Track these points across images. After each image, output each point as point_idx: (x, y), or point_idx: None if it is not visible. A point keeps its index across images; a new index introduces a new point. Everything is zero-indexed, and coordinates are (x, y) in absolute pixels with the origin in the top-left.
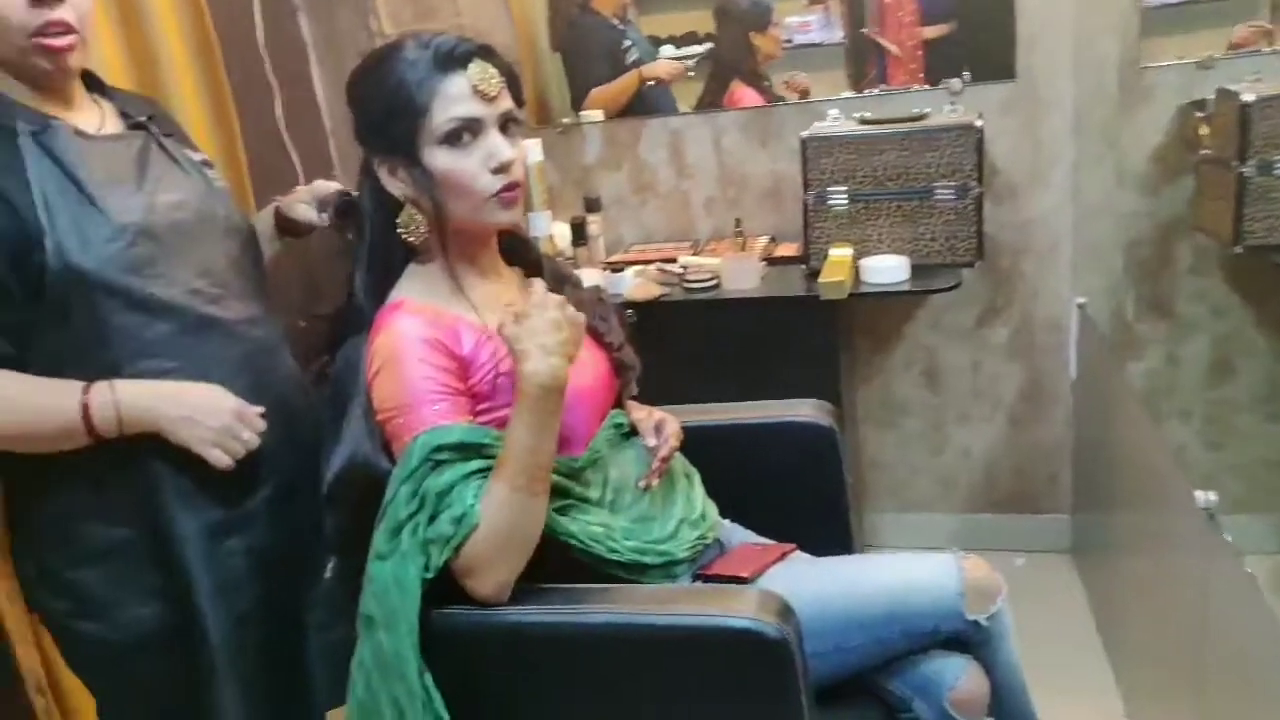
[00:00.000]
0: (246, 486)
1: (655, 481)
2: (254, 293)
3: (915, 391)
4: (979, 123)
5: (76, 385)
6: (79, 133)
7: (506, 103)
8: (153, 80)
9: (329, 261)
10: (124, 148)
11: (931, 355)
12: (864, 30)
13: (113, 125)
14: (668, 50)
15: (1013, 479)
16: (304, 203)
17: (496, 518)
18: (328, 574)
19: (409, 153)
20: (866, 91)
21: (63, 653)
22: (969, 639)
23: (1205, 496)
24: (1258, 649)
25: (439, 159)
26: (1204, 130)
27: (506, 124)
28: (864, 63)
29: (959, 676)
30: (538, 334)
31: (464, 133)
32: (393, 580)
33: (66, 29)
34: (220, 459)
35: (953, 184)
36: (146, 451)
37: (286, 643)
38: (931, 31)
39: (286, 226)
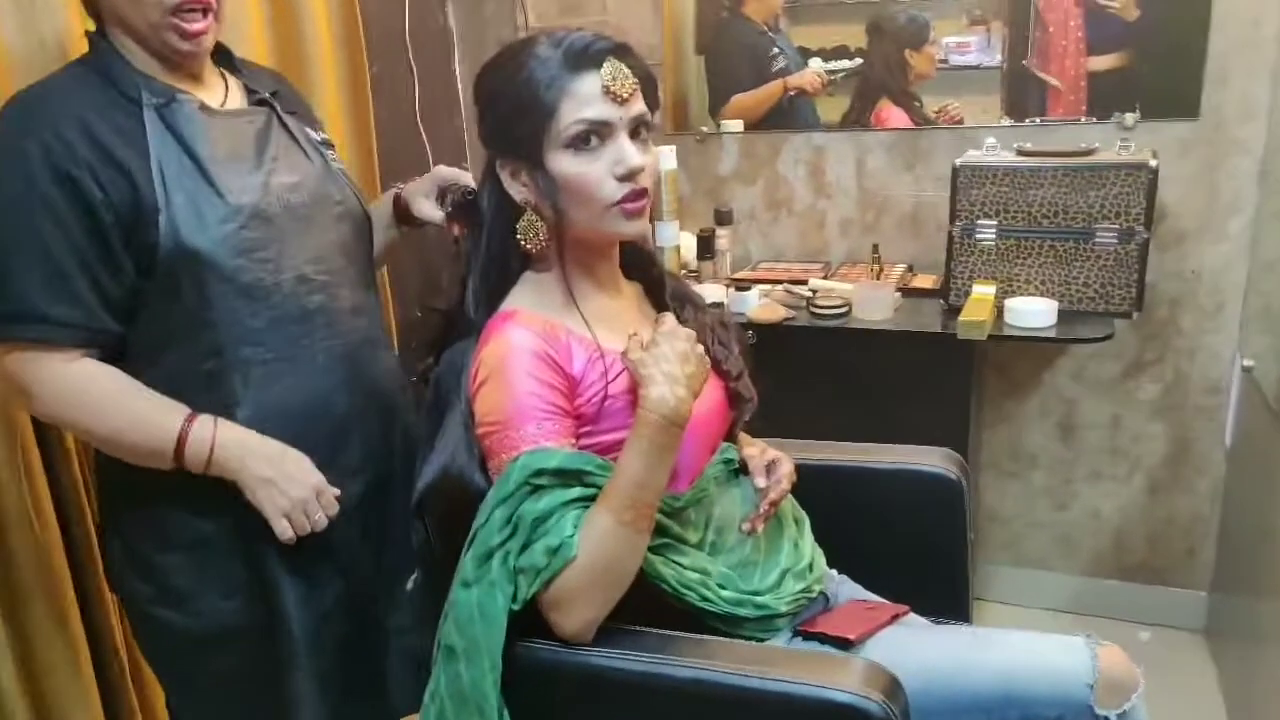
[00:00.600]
0: (341, 484)
1: (761, 526)
2: (362, 281)
3: (1047, 443)
4: (1154, 162)
5: (182, 410)
6: (204, 107)
7: (639, 106)
8: (296, 57)
9: (447, 256)
10: (245, 124)
11: (1070, 406)
12: (1024, 61)
13: (236, 100)
14: (816, 63)
15: (1145, 547)
16: (424, 194)
17: (596, 551)
18: (409, 586)
19: (533, 155)
20: (1028, 121)
21: (139, 639)
22: None
23: None
24: None
25: (563, 163)
26: None
27: (638, 129)
28: (1022, 90)
29: None
30: (665, 362)
31: (591, 136)
32: (478, 610)
33: (205, 8)
34: (285, 530)
35: (1116, 227)
36: None
37: (366, 642)
38: (1099, 63)
39: (405, 216)
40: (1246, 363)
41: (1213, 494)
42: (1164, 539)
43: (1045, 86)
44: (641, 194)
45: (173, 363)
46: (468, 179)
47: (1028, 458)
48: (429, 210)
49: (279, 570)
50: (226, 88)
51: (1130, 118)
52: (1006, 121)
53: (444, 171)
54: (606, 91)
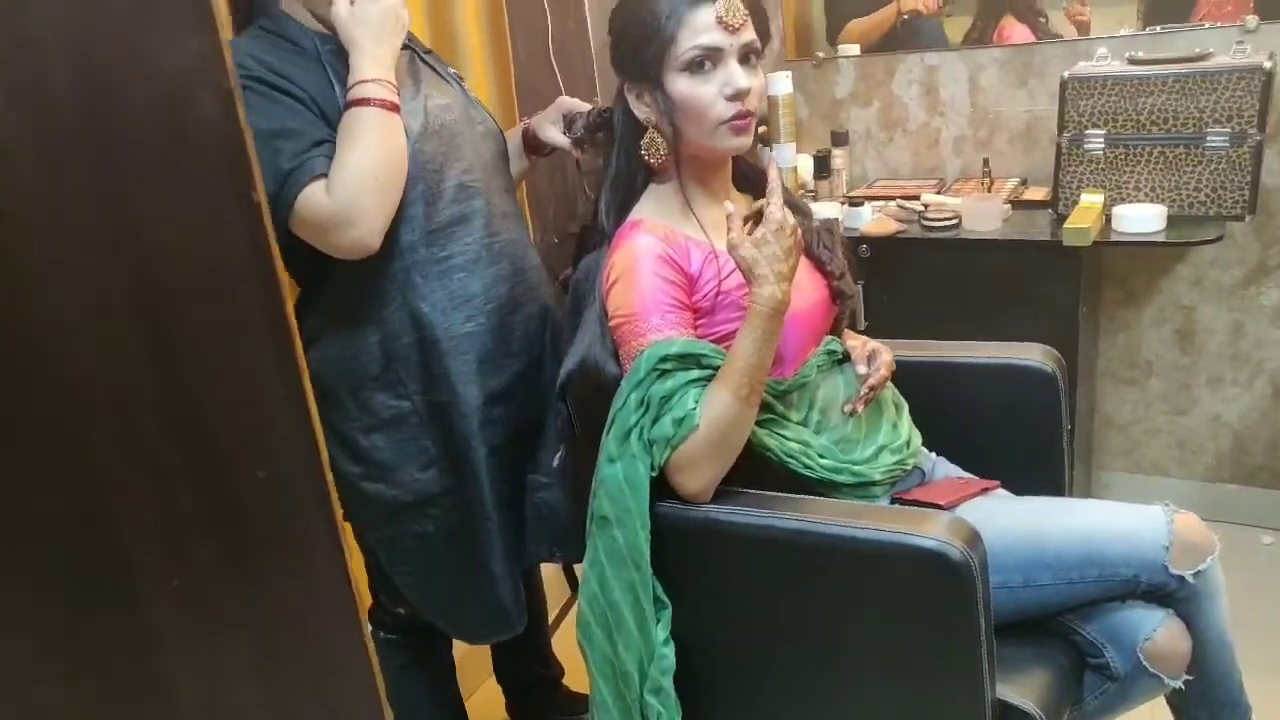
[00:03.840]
0: (508, 364)
1: (861, 408)
2: (508, 190)
3: (1164, 350)
4: (1268, 64)
5: (351, 110)
6: None
7: (749, 34)
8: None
9: (583, 180)
10: (400, 60)
11: (1188, 314)
12: None
13: None
14: None
15: (1267, 452)
16: (551, 122)
17: (715, 420)
18: (555, 462)
19: (655, 78)
20: (1149, 29)
21: (348, 513)
22: (1173, 594)
23: None
24: None
25: (680, 85)
26: None
27: (748, 55)
28: None
29: (1156, 628)
30: (776, 261)
31: (705, 61)
32: (625, 480)
33: None
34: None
35: (1228, 130)
36: (425, 328)
37: (518, 500)
38: None
39: (534, 145)
40: None
41: None
42: None
43: None
44: (748, 114)
45: (358, 266)
46: (586, 107)
47: (1145, 364)
48: (556, 136)
49: (471, 441)
50: None
51: (1252, 20)
52: (1128, 31)
53: (566, 102)
54: (719, 21)
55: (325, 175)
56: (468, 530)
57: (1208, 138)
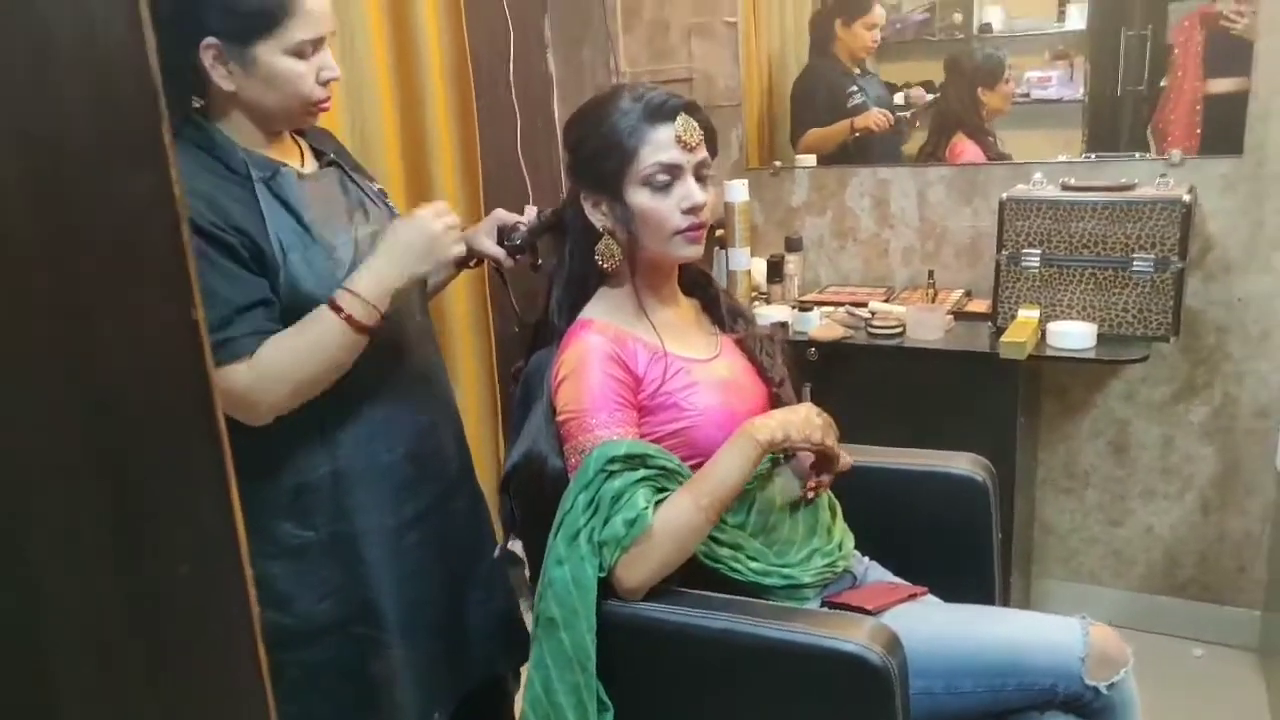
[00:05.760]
0: (424, 489)
1: (811, 495)
2: (425, 310)
3: (1100, 461)
4: (1187, 197)
5: (322, 309)
6: (299, 175)
7: (703, 153)
8: (413, 99)
9: (538, 281)
10: (329, 185)
11: (1122, 427)
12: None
13: (309, 163)
14: (899, 99)
15: (1197, 565)
16: (485, 233)
17: (672, 524)
18: (496, 554)
19: (614, 189)
20: (1084, 156)
21: None
22: (1088, 705)
23: None
24: None
25: (640, 197)
26: None
27: (701, 171)
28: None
29: None
30: (793, 414)
31: (665, 176)
32: (573, 581)
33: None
34: (458, 251)
35: (1152, 256)
36: (342, 459)
37: (451, 614)
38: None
39: (466, 257)
40: None
41: (1264, 514)
42: (1215, 557)
43: (1141, 117)
44: (701, 225)
45: None
46: (518, 218)
47: (1082, 475)
48: (490, 247)
49: (376, 570)
50: (301, 150)
51: (1176, 154)
52: (1064, 157)
53: (502, 214)
54: (679, 140)
55: (250, 354)
56: (366, 662)
57: (1134, 263)
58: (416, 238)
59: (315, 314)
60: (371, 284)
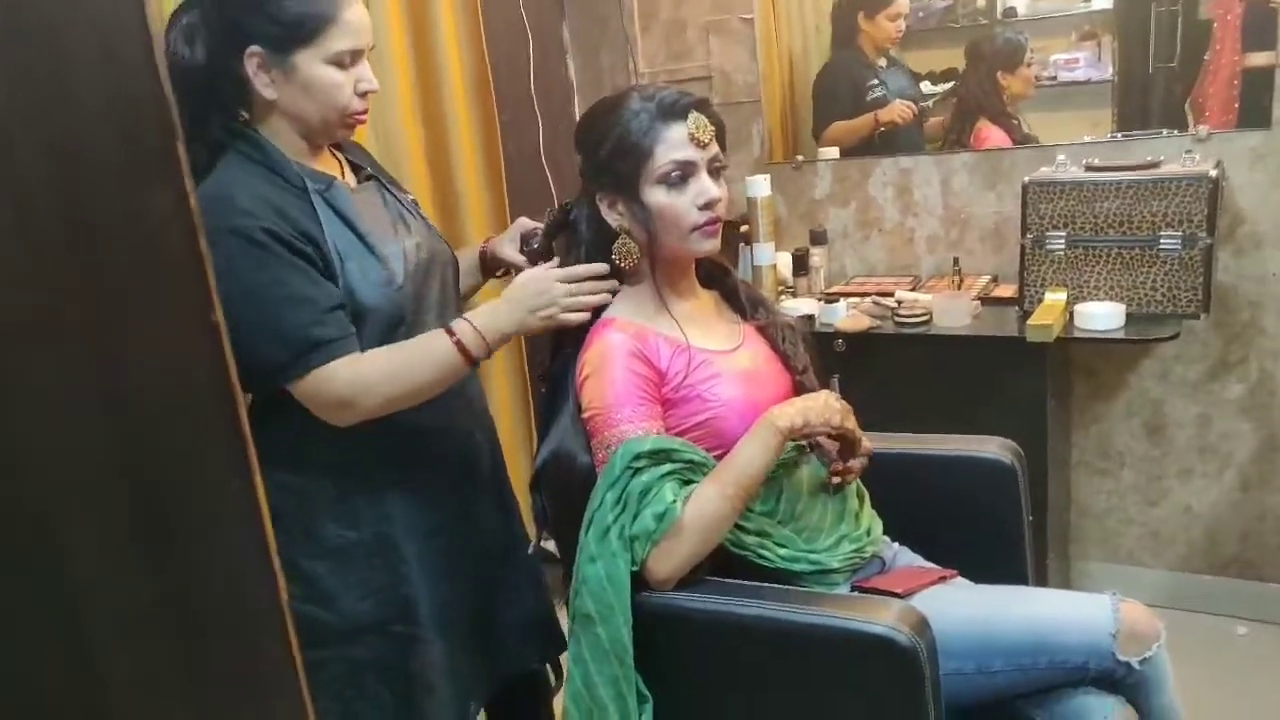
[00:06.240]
0: (454, 495)
1: (835, 482)
2: (454, 313)
3: (1135, 442)
4: (1213, 172)
5: (438, 332)
6: (350, 189)
7: (715, 149)
8: (436, 112)
9: None
10: (373, 199)
11: (1156, 406)
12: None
13: (350, 178)
14: (925, 86)
15: (1238, 542)
16: (509, 240)
17: (701, 513)
18: (530, 550)
19: (630, 189)
20: (1111, 136)
21: None
22: (1121, 681)
23: None
24: None
25: (657, 195)
26: None
27: (715, 167)
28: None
29: (1108, 715)
30: (812, 400)
31: (680, 174)
32: (606, 577)
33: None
34: (575, 319)
35: (1179, 234)
36: (382, 468)
37: (484, 612)
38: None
39: (491, 265)
40: None
41: None
42: (1257, 534)
43: (1175, 94)
44: (717, 219)
45: None
46: (541, 225)
47: (1117, 456)
48: (511, 253)
49: (412, 571)
50: (341, 165)
51: (1203, 129)
52: (1089, 138)
53: (526, 223)
54: (692, 138)
55: (346, 355)
56: (405, 660)
57: (1161, 240)
58: (538, 296)
59: (427, 335)
60: (489, 322)
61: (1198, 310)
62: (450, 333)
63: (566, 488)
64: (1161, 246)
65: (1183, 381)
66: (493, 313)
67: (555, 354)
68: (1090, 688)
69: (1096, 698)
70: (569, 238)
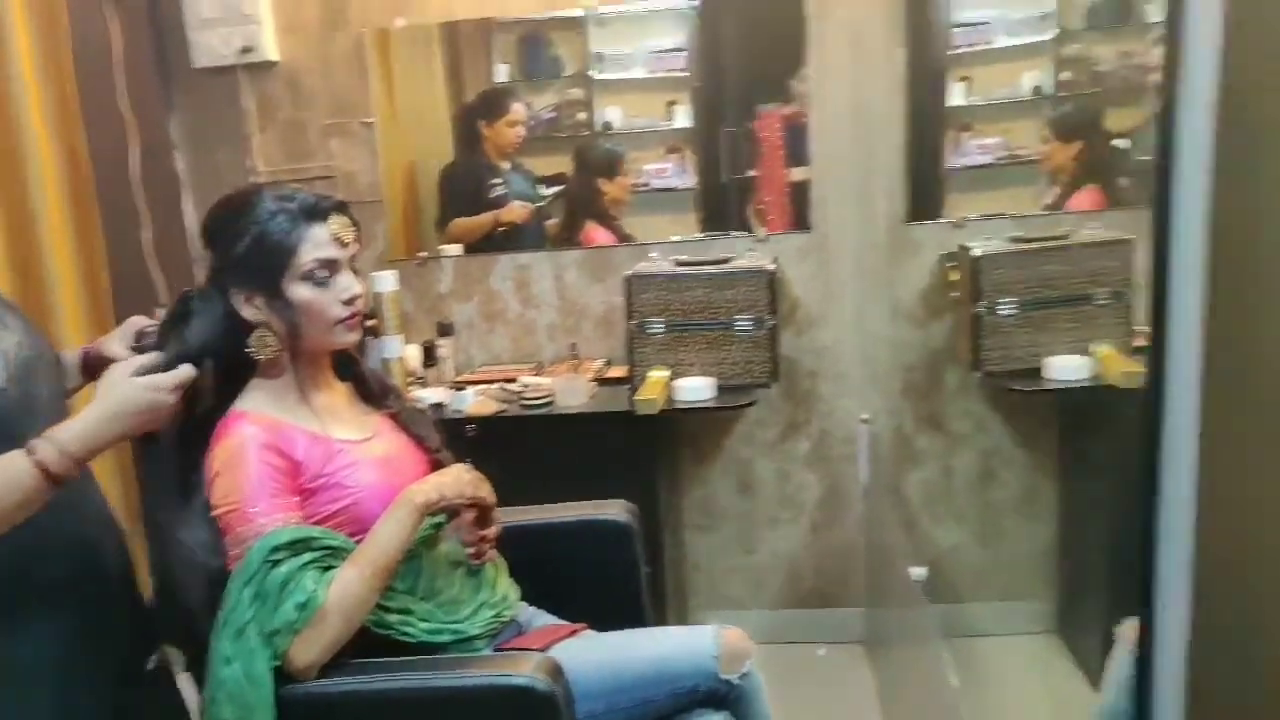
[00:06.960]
0: (87, 605)
1: (477, 562)
2: (63, 419)
3: (731, 499)
4: (771, 266)
5: (18, 451)
6: None
7: (355, 247)
8: (22, 212)
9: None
10: None
11: (745, 465)
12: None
13: None
14: (542, 190)
15: (814, 577)
16: (119, 339)
17: (343, 596)
18: (150, 665)
19: (271, 285)
20: (691, 236)
21: None
22: (725, 697)
23: (918, 571)
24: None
25: (301, 291)
26: (954, 276)
27: (353, 264)
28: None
29: None
30: (446, 475)
31: (325, 271)
32: (245, 676)
33: None
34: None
35: (751, 317)
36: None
37: None
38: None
39: (95, 366)
40: (865, 416)
41: (857, 526)
42: (827, 568)
43: (743, 201)
44: (359, 313)
45: None
46: (153, 323)
47: (718, 513)
48: (120, 352)
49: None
50: None
51: (763, 231)
52: (676, 237)
53: (139, 320)
54: (335, 238)
55: None
56: None
57: (736, 323)
58: (135, 400)
59: (7, 456)
60: (75, 434)
61: (768, 380)
62: (31, 451)
63: (195, 589)
64: (737, 328)
65: (764, 442)
66: (82, 420)
67: (183, 452)
68: (702, 709)
69: (706, 716)
70: (184, 328)
